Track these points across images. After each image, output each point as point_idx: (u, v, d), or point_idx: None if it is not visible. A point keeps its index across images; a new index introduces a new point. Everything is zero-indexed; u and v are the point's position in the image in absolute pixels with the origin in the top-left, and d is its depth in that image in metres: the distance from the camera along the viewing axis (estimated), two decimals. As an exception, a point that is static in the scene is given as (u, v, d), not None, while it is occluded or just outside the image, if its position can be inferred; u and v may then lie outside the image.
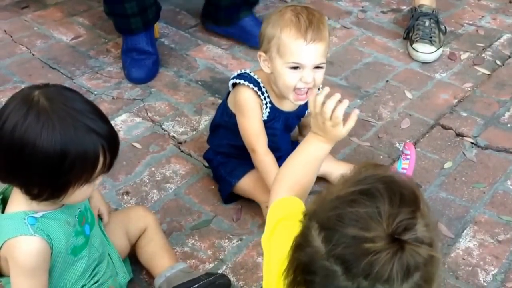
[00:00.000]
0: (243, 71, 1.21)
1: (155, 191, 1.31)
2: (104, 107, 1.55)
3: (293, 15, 1.12)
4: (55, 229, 0.91)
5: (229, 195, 1.28)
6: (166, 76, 1.69)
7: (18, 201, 0.90)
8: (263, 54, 1.16)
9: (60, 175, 0.84)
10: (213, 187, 1.32)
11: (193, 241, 1.20)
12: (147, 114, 1.54)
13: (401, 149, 1.36)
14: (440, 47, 1.81)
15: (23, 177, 0.85)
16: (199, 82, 1.67)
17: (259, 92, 1.19)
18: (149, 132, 1.48)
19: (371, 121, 1.55)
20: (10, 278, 0.90)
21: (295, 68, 1.12)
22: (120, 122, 1.50)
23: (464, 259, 1.18)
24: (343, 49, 1.85)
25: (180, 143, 1.45)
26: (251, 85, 1.18)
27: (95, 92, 1.61)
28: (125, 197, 1.29)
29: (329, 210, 0.64)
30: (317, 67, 1.13)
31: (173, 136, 1.47)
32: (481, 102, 1.65)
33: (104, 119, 0.87)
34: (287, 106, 1.23)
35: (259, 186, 1.23)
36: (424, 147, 1.48)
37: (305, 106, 1.23)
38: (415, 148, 1.43)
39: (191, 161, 1.40)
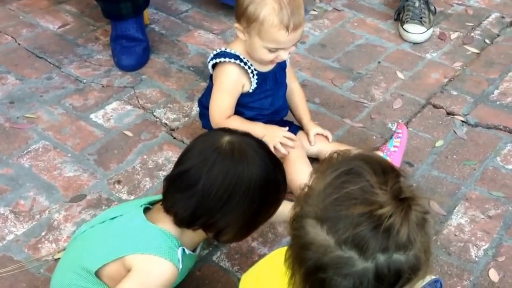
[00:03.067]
0: (218, 50, 1.21)
1: (148, 179, 1.30)
2: (93, 96, 1.55)
3: (275, 0, 1.10)
4: (185, 270, 0.94)
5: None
6: (157, 63, 1.67)
7: (167, 220, 0.90)
8: (240, 27, 1.16)
9: (261, 217, 0.91)
10: (206, 172, 1.33)
11: (188, 226, 1.20)
12: (138, 101, 1.53)
13: (394, 130, 1.37)
14: (430, 27, 1.81)
15: (223, 223, 0.87)
16: (191, 68, 1.66)
17: (242, 64, 1.19)
18: (141, 120, 1.47)
19: (364, 102, 1.56)
20: (121, 284, 0.87)
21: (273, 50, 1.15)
22: (111, 110, 1.49)
23: (456, 235, 1.20)
24: (335, 31, 1.84)
25: (173, 130, 1.44)
26: (233, 60, 1.18)
27: (84, 81, 1.59)
28: (117, 186, 1.28)
29: (322, 201, 0.63)
30: None
31: (165, 123, 1.46)
32: (471, 80, 1.66)
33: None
34: (269, 66, 1.24)
35: None
36: (416, 126, 1.48)
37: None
38: (407, 128, 1.44)
39: (183, 147, 1.38)
